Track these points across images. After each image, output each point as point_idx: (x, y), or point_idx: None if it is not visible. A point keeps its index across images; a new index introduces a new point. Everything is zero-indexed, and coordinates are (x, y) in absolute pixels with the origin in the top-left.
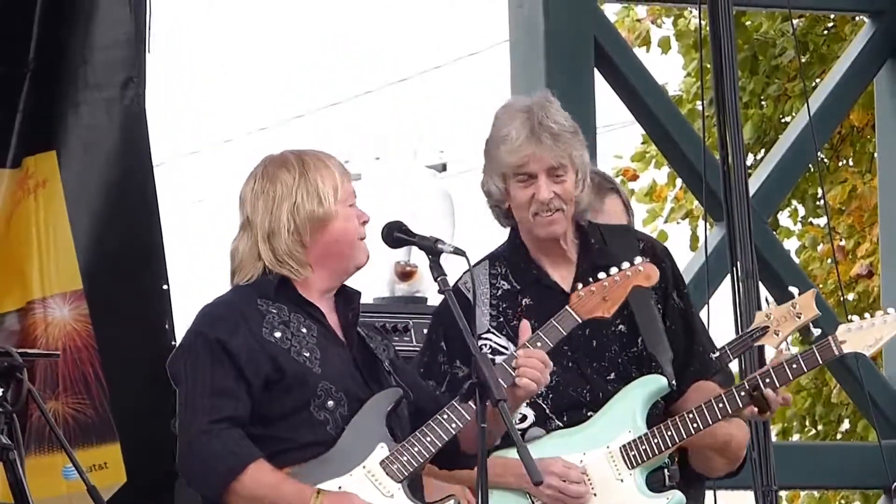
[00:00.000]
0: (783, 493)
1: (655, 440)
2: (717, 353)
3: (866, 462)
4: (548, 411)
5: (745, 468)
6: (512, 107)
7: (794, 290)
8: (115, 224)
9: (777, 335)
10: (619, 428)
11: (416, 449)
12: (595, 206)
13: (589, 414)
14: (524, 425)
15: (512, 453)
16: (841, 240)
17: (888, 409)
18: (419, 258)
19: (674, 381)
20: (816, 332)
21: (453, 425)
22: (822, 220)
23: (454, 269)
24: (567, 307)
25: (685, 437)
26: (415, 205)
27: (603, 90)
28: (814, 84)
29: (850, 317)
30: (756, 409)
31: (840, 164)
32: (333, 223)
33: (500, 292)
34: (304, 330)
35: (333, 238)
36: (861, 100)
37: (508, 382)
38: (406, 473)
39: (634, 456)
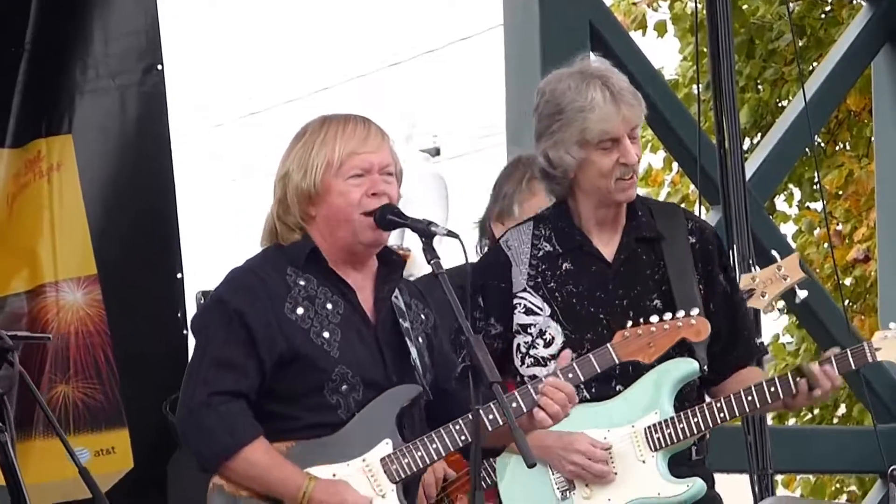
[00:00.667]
0: (779, 477)
1: (681, 425)
2: (761, 339)
3: (862, 446)
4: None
5: (741, 452)
6: (573, 77)
7: (775, 253)
8: (131, 211)
9: (763, 297)
10: (646, 408)
11: (419, 454)
12: (523, 193)
13: (618, 388)
14: None
15: None
16: (838, 224)
17: (884, 394)
18: (412, 241)
19: (706, 367)
20: (802, 293)
21: (462, 438)
22: (819, 205)
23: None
24: (608, 345)
25: (711, 425)
26: (408, 189)
27: None
28: (811, 68)
29: (890, 324)
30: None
31: (837, 148)
32: (325, 197)
33: (541, 253)
34: (330, 306)
35: (329, 212)
36: (858, 84)
37: (528, 406)
38: (403, 476)
39: (658, 439)
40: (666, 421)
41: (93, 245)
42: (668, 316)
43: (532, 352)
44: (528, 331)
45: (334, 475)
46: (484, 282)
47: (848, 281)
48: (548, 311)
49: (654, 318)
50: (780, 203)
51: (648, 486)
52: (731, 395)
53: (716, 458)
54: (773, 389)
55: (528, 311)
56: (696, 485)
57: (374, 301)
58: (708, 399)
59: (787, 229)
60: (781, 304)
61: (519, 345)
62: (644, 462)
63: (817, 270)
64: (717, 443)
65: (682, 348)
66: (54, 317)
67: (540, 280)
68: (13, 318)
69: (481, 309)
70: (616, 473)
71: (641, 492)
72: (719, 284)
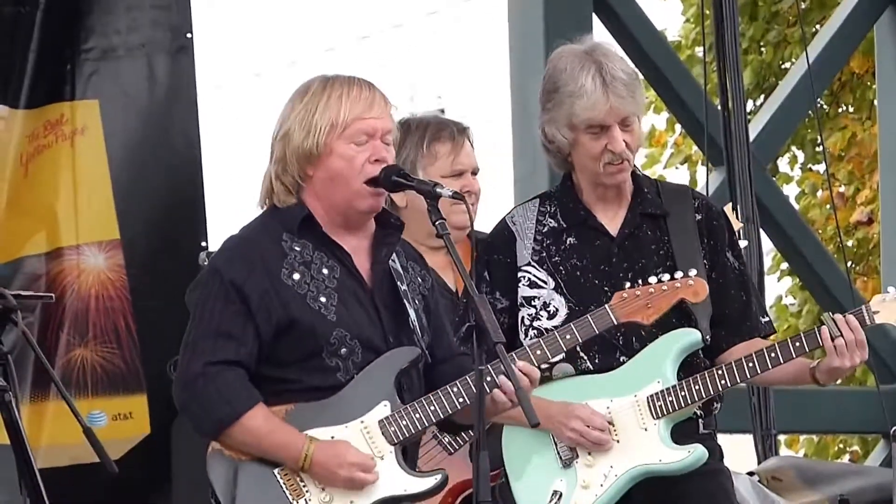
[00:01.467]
0: (782, 438)
1: (683, 393)
2: (768, 318)
3: (865, 407)
4: (578, 349)
5: (745, 413)
6: (573, 57)
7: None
8: (156, 178)
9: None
10: (649, 377)
11: (417, 415)
12: (427, 158)
13: (622, 359)
14: (556, 360)
15: (544, 393)
16: (840, 186)
17: (887, 355)
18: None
19: (708, 337)
20: (743, 243)
21: (460, 400)
22: (822, 167)
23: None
24: (606, 306)
25: (712, 392)
26: None
27: (602, 36)
28: (814, 30)
29: (888, 287)
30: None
31: (840, 110)
32: (327, 159)
33: (545, 229)
34: (326, 271)
35: (328, 175)
36: (861, 46)
37: (491, 386)
38: (401, 437)
39: (660, 406)
40: (668, 389)
41: (116, 210)
42: (665, 277)
43: (536, 324)
44: (532, 303)
45: (333, 437)
46: (489, 257)
47: (850, 243)
48: (552, 284)
49: (653, 280)
50: (783, 165)
51: (650, 453)
52: (733, 363)
53: (720, 418)
54: (773, 355)
55: (533, 285)
56: (696, 451)
57: (371, 264)
58: None
59: (790, 191)
60: None
61: (523, 317)
62: (646, 430)
63: (820, 232)
64: (722, 403)
65: (685, 319)
66: (74, 280)
67: (544, 254)
68: (31, 278)
69: (487, 283)
70: (619, 441)
71: (643, 458)
72: (728, 261)
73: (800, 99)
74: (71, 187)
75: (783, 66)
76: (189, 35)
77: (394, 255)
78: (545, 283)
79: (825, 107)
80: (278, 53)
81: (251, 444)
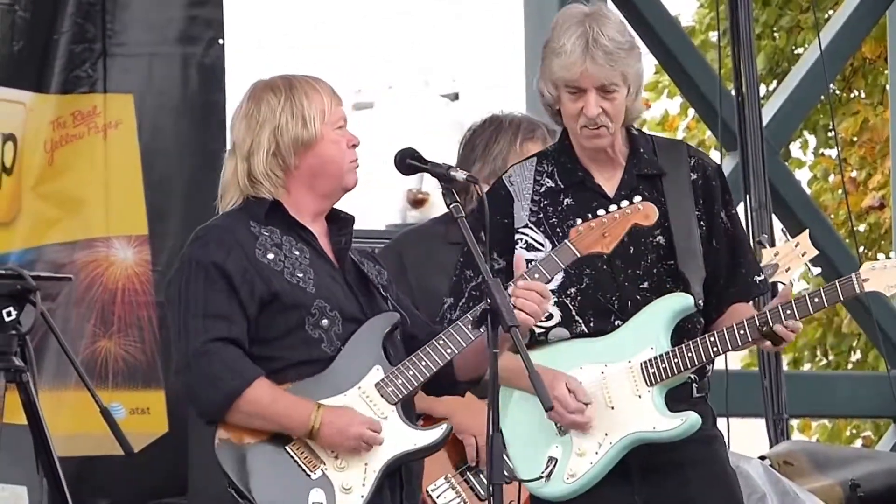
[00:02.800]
0: (795, 423)
1: (675, 360)
2: (762, 277)
3: (877, 391)
4: (574, 313)
5: (757, 397)
6: (569, 17)
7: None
8: (184, 176)
9: (787, 272)
10: (642, 343)
11: (410, 372)
12: (517, 156)
13: (617, 323)
14: (549, 324)
15: (538, 357)
16: (852, 171)
17: None
18: (431, 186)
19: (700, 301)
20: (816, 270)
21: (448, 351)
22: (834, 152)
23: None
24: (566, 241)
25: (704, 359)
26: (427, 133)
27: None
28: (826, 16)
29: (880, 255)
30: (769, 343)
31: (852, 95)
32: (320, 146)
33: (543, 189)
34: (297, 252)
35: (321, 161)
36: (873, 32)
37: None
38: (400, 396)
39: (654, 373)
40: (661, 356)
41: (146, 205)
42: (613, 207)
43: None
44: (528, 266)
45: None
46: (489, 217)
47: (862, 228)
48: (549, 246)
49: (601, 212)
50: (795, 150)
51: (644, 421)
52: (724, 329)
53: (732, 402)
54: (763, 319)
55: (530, 247)
56: (690, 419)
57: (334, 251)
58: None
59: (802, 176)
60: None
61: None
62: (640, 397)
63: (832, 217)
64: (734, 388)
65: (679, 282)
66: (104, 271)
67: (542, 216)
68: (52, 267)
69: (483, 243)
70: (613, 408)
71: (637, 426)
72: (721, 220)
73: (812, 84)
74: (102, 180)
75: (796, 52)
76: (221, 41)
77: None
78: (542, 245)
79: (837, 92)
80: (293, 39)
81: (259, 414)
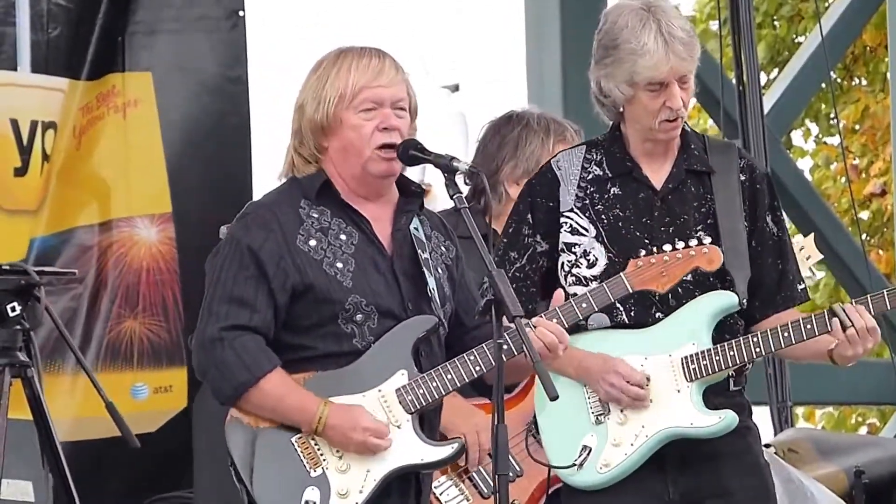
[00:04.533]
0: (800, 410)
1: (717, 357)
2: (804, 286)
3: (881, 378)
4: (615, 301)
5: (761, 384)
6: (633, 13)
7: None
8: (207, 153)
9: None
10: (684, 338)
11: (434, 384)
12: (550, 155)
13: (658, 315)
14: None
15: (577, 344)
16: (854, 158)
17: None
18: (434, 177)
19: (745, 300)
20: (819, 275)
21: (477, 368)
22: (836, 140)
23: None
24: (621, 274)
25: (746, 359)
26: (428, 124)
27: None
28: (827, 4)
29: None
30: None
31: (853, 83)
32: (338, 130)
33: (590, 176)
34: (343, 237)
35: (341, 145)
36: (874, 19)
37: (519, 347)
38: (419, 406)
39: (694, 369)
40: (703, 352)
41: (169, 183)
42: (680, 245)
43: (575, 271)
44: (573, 250)
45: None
46: (533, 199)
47: (865, 215)
48: (593, 232)
49: (668, 248)
50: (797, 138)
51: (682, 416)
52: (768, 330)
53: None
54: (808, 326)
55: (574, 231)
56: (727, 417)
57: (392, 232)
58: None
59: (804, 164)
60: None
61: (563, 263)
62: (679, 392)
63: (835, 205)
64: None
65: (724, 282)
66: (127, 251)
67: (587, 202)
68: (81, 250)
69: (530, 225)
70: (651, 401)
71: (674, 421)
72: (767, 226)
73: (813, 72)
74: (123, 159)
75: (797, 41)
76: (242, 13)
77: (418, 223)
78: (586, 230)
79: (838, 80)
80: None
81: (268, 406)
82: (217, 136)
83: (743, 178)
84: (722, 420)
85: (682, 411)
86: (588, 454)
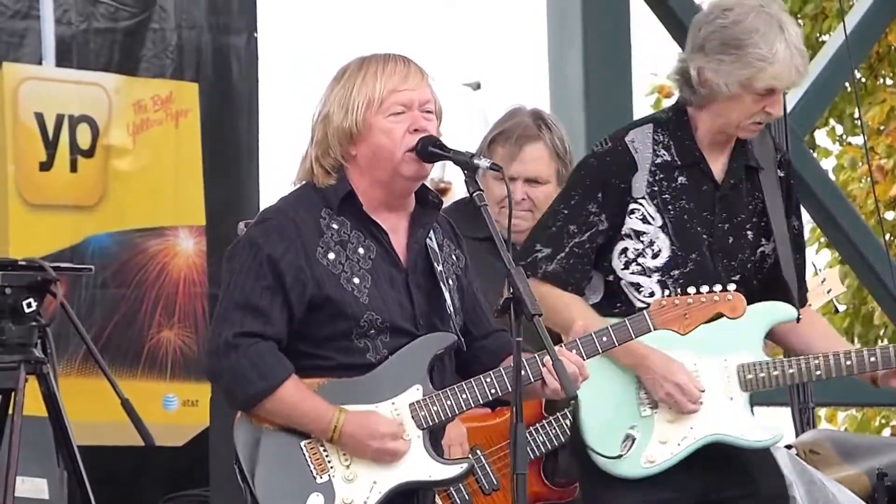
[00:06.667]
0: (822, 412)
1: (775, 372)
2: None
3: None
4: (673, 295)
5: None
6: (762, 19)
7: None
8: (231, 167)
9: (809, 306)
10: (740, 345)
11: (448, 403)
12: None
13: None
14: (651, 301)
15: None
16: (880, 160)
17: None
18: (454, 175)
19: (800, 315)
20: (841, 308)
21: (492, 391)
22: (861, 140)
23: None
24: (645, 312)
25: (805, 379)
26: (450, 122)
27: (639, 9)
28: (851, 3)
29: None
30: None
31: (878, 83)
32: (368, 136)
33: (659, 160)
34: (362, 251)
35: (371, 150)
36: None
37: (536, 375)
38: (430, 423)
39: (751, 380)
40: (761, 364)
41: (204, 196)
42: (704, 289)
43: (640, 260)
44: (641, 238)
45: None
46: (606, 179)
47: (890, 216)
48: (659, 222)
49: (692, 290)
50: (821, 138)
51: (732, 425)
52: (831, 356)
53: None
54: (872, 360)
55: (644, 220)
56: (777, 435)
57: (408, 243)
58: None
59: (829, 164)
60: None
61: (627, 249)
62: (732, 399)
63: (859, 206)
64: None
65: (769, 282)
66: (170, 261)
67: (656, 189)
68: (131, 253)
69: (599, 203)
70: (702, 403)
71: (724, 429)
72: (794, 221)
73: (837, 72)
74: (172, 169)
75: (820, 39)
76: (256, 35)
77: (431, 231)
78: (653, 220)
79: (863, 80)
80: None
81: (282, 414)
82: (237, 152)
83: (781, 174)
84: (773, 437)
85: (734, 420)
86: (632, 444)
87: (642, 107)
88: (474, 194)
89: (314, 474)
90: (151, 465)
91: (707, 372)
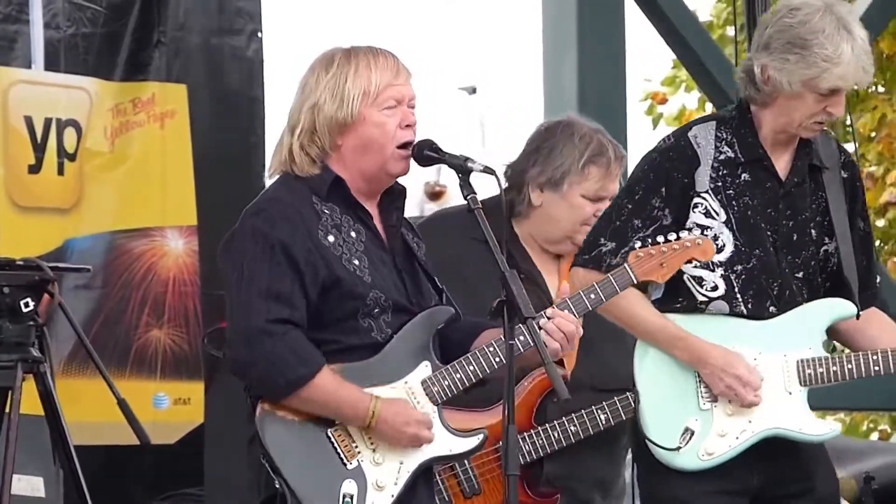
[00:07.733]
0: None
1: (835, 368)
2: (879, 279)
3: (893, 384)
4: (737, 289)
5: None
6: (827, 19)
7: None
8: (229, 168)
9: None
10: (800, 341)
11: (458, 376)
12: (577, 175)
13: (772, 309)
14: (713, 294)
15: (692, 327)
16: (870, 167)
17: None
18: (448, 178)
19: (860, 312)
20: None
21: (496, 360)
22: (851, 147)
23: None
24: (625, 265)
25: (864, 375)
26: (445, 126)
27: (633, 14)
28: None
29: None
30: None
31: (870, 91)
32: (360, 127)
33: (722, 157)
34: (354, 234)
35: (360, 143)
36: (891, 27)
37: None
38: (444, 398)
39: (810, 375)
40: (820, 359)
41: (196, 196)
42: (672, 236)
43: None
44: (704, 233)
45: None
46: (669, 173)
47: (881, 223)
48: (723, 217)
49: (661, 239)
50: None
51: (791, 419)
52: (889, 352)
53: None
54: None
55: (708, 214)
56: (834, 430)
57: (384, 227)
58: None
59: None
60: None
61: None
62: (791, 394)
63: None
64: None
65: (832, 278)
66: (158, 261)
67: (720, 184)
68: (114, 255)
69: (662, 198)
70: (761, 398)
71: (784, 423)
72: (859, 222)
73: None
74: (159, 170)
75: None
76: (260, 35)
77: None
78: (717, 214)
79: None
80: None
81: (318, 401)
82: (237, 153)
83: (845, 174)
84: (831, 432)
85: (793, 414)
86: (691, 437)
87: (636, 113)
88: (468, 197)
89: (345, 461)
90: (142, 463)
91: (767, 367)
